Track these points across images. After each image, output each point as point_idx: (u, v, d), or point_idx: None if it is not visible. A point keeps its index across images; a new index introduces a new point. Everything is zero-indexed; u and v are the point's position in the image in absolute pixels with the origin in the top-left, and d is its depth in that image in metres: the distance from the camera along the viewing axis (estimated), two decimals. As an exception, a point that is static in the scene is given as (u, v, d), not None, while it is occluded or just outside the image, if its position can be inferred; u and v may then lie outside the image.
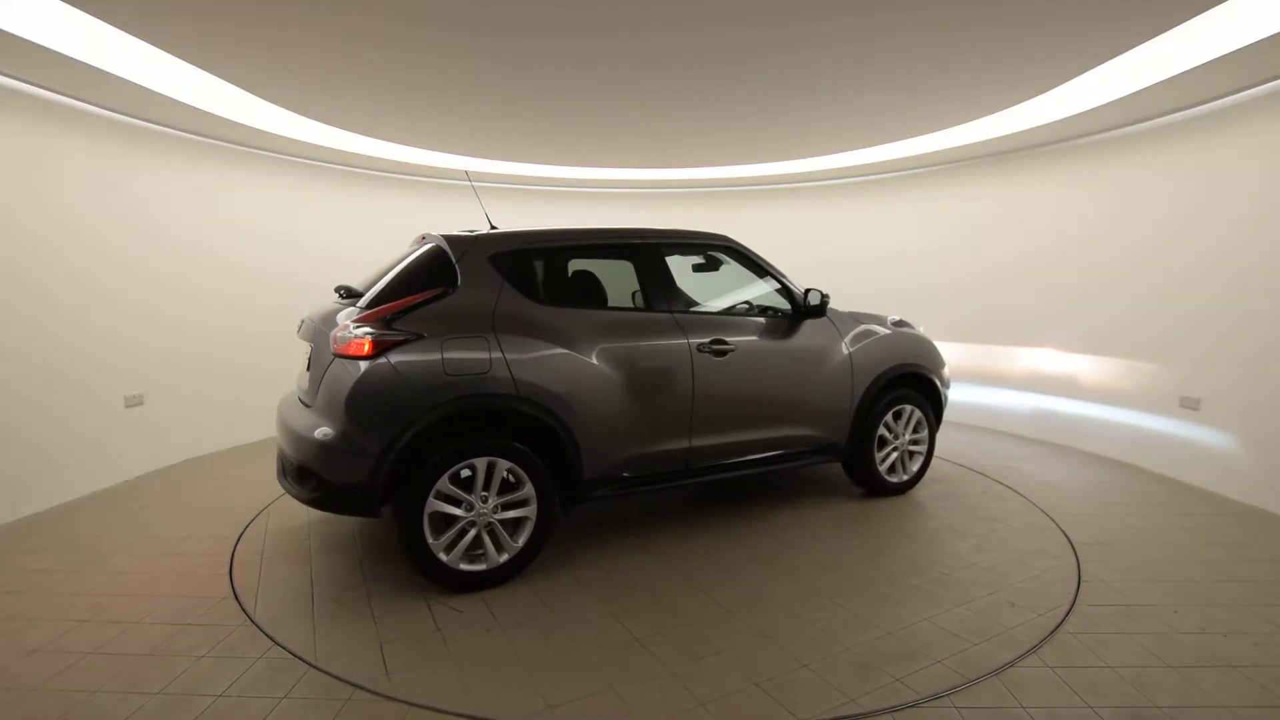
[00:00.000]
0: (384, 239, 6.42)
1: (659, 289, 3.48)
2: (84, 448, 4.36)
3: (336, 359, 2.87)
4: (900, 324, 4.23)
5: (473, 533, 2.92)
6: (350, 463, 2.78)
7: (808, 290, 3.74)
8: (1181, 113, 4.53)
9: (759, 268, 3.80)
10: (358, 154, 6.00)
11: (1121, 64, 3.75)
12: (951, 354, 5.25)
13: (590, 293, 3.55)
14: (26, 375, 4.02)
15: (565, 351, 3.09)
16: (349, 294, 3.24)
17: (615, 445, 3.23)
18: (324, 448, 2.80)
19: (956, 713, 2.10)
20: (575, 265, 3.65)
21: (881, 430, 4.02)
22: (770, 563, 3.27)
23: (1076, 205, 5.44)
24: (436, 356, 2.84)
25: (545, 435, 3.06)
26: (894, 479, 4.16)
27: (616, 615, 2.77)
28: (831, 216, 7.34)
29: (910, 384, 4.13)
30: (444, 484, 2.84)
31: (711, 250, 3.87)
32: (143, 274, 4.85)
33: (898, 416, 4.08)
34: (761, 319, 3.75)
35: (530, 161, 6.46)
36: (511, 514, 3.00)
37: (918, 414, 4.14)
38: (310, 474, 2.87)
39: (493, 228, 3.62)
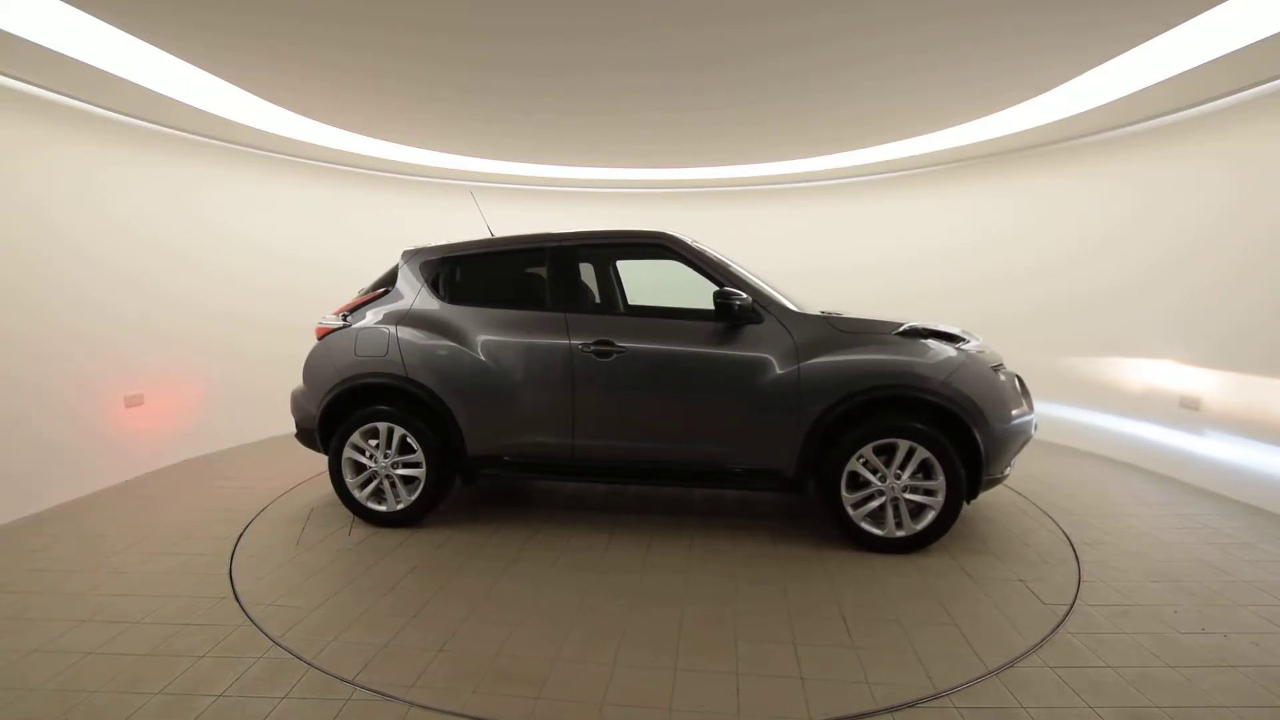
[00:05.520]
0: (389, 240, 6.41)
1: (562, 289, 3.64)
2: (84, 447, 4.36)
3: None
4: (915, 333, 3.29)
5: (376, 481, 3.72)
6: (305, 411, 3.87)
7: (726, 292, 3.31)
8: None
9: (701, 268, 3.49)
10: (361, 155, 6.01)
11: (1124, 61, 3.75)
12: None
13: (492, 293, 3.75)
14: (26, 376, 4.02)
15: (452, 343, 3.60)
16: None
17: (495, 430, 3.59)
18: (296, 399, 3.96)
19: (957, 712, 2.10)
20: (484, 268, 3.83)
21: (856, 466, 3.24)
22: (598, 573, 3.13)
23: (1082, 206, 5.45)
24: (352, 341, 3.71)
25: (432, 412, 3.63)
26: (878, 531, 3.28)
27: (414, 571, 3.18)
28: (834, 216, 7.34)
29: (915, 414, 3.21)
30: (356, 438, 3.70)
31: (646, 249, 3.68)
32: (143, 273, 4.86)
33: (886, 454, 3.24)
34: (673, 322, 3.46)
35: (535, 162, 6.47)
36: (406, 472, 3.69)
37: (923, 454, 3.17)
38: (294, 417, 3.98)
39: (491, 234, 3.94)
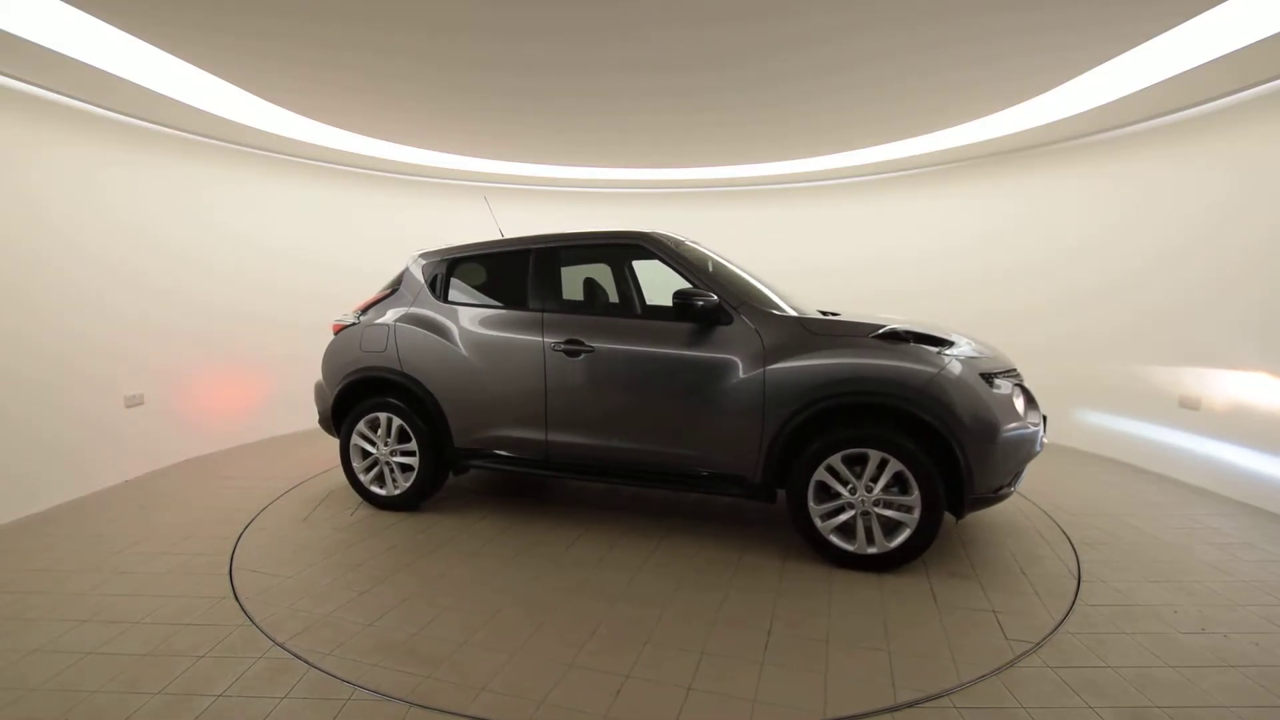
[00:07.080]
0: (389, 240, 6.41)
1: (541, 288, 3.71)
2: (84, 447, 4.36)
3: None
4: (896, 336, 3.04)
5: (378, 468, 3.99)
6: (323, 401, 4.20)
7: (685, 293, 3.26)
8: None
9: (677, 268, 3.43)
10: (361, 155, 6.00)
11: (1125, 61, 3.75)
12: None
13: (481, 293, 3.91)
14: (27, 375, 4.02)
15: (441, 340, 3.79)
16: None
17: (477, 423, 3.75)
18: (317, 390, 4.28)
19: (957, 713, 2.10)
20: (476, 269, 3.99)
21: (824, 476, 3.06)
22: (551, 567, 3.20)
23: (1084, 206, 5.45)
24: (358, 338, 4.01)
25: (423, 405, 3.85)
26: (847, 546, 3.07)
27: (388, 551, 3.40)
28: (834, 216, 7.34)
29: (891, 422, 3.00)
30: (362, 426, 3.98)
31: (627, 249, 3.85)
32: (143, 273, 4.86)
33: (856, 464, 3.04)
34: (647, 322, 3.53)
35: (535, 162, 6.46)
36: (403, 460, 3.93)
37: (897, 467, 2.93)
38: (316, 406, 4.28)
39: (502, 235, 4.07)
